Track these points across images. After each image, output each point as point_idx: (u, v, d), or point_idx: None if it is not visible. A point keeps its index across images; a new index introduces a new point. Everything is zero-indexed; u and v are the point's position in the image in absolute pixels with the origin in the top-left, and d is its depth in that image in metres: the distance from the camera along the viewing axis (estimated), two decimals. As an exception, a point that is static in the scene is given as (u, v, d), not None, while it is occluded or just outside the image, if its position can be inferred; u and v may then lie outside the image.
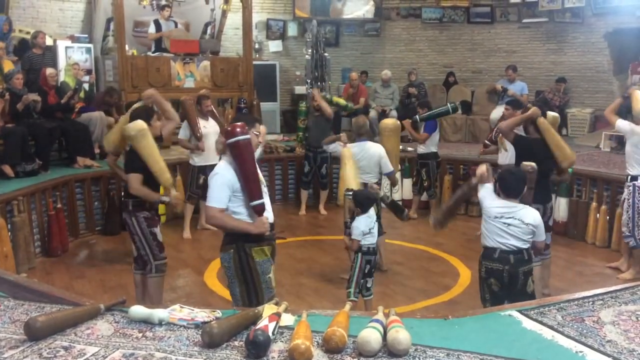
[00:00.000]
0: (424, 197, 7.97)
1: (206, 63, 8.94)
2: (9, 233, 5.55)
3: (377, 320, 2.47)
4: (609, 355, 2.37)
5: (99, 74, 9.27)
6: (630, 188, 5.38)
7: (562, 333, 2.57)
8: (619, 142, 8.07)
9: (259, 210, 3.27)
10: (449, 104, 7.60)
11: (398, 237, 7.03)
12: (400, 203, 6.18)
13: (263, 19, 11.40)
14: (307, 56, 9.78)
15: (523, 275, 3.63)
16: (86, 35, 9.52)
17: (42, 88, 7.30)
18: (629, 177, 5.41)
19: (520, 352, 2.40)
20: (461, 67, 11.63)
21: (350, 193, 4.94)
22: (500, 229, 3.63)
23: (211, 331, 2.40)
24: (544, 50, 10.86)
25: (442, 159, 8.26)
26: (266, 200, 3.35)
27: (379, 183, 5.61)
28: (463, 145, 9.92)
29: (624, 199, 5.52)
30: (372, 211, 4.48)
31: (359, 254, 4.41)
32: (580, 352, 2.40)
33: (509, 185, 3.69)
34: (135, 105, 4.84)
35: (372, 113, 10.05)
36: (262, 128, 3.50)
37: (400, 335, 2.35)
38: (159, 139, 4.57)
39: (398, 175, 8.32)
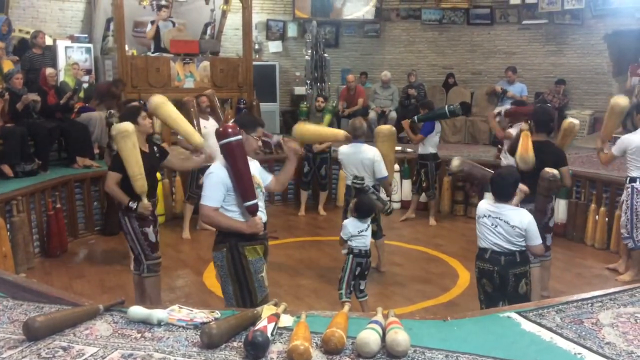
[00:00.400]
0: (423, 198, 7.97)
1: (206, 63, 8.94)
2: (8, 233, 5.55)
3: (376, 322, 2.47)
4: (607, 357, 2.37)
5: (98, 74, 9.27)
6: (629, 190, 5.38)
7: (560, 335, 2.57)
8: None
9: (252, 211, 3.28)
10: (446, 107, 7.58)
11: (397, 238, 7.03)
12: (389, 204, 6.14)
13: (263, 20, 11.41)
14: (306, 57, 9.79)
15: (514, 277, 3.59)
16: (86, 35, 9.53)
17: (41, 88, 7.29)
18: (628, 179, 5.42)
19: (519, 354, 2.41)
20: (461, 69, 11.63)
21: (360, 183, 5.01)
22: (488, 229, 3.64)
23: (210, 332, 2.40)
24: (544, 51, 10.87)
25: (442, 160, 8.26)
26: (260, 199, 3.36)
27: (377, 187, 5.61)
28: (462, 146, 9.93)
29: (623, 200, 5.53)
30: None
31: (350, 256, 4.43)
32: (579, 354, 2.40)
33: (499, 188, 3.68)
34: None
35: (372, 114, 10.07)
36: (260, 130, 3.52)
37: (399, 336, 2.35)
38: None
39: (397, 177, 8.38)
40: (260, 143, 3.47)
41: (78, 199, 6.96)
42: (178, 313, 2.70)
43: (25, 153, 6.64)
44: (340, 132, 5.56)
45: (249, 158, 3.32)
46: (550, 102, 9.73)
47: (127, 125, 4.18)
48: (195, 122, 6.70)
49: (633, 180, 5.36)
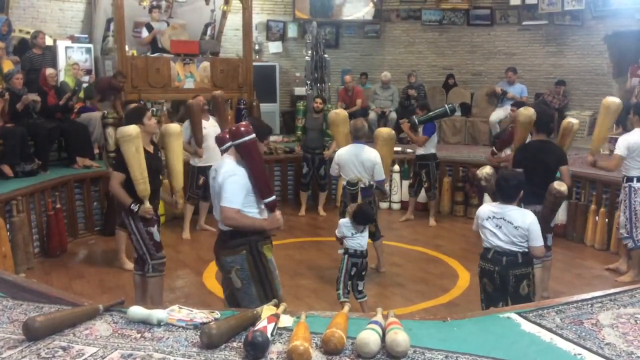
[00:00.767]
0: (421, 198, 7.97)
1: (206, 64, 8.94)
2: (8, 233, 5.55)
3: (375, 322, 2.47)
4: (607, 358, 2.37)
5: (98, 74, 9.27)
6: (627, 189, 5.39)
7: (560, 335, 2.57)
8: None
9: (272, 207, 3.30)
10: (446, 106, 7.60)
11: (396, 238, 7.04)
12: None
13: (263, 20, 11.41)
14: (306, 57, 9.79)
15: (514, 278, 3.60)
16: (86, 36, 9.53)
17: (41, 88, 7.30)
18: (625, 179, 5.43)
19: (519, 355, 2.41)
20: (461, 69, 11.63)
21: (354, 189, 5.00)
22: (491, 230, 3.65)
23: (210, 332, 2.40)
24: (544, 52, 10.87)
25: (441, 161, 8.27)
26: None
27: (370, 191, 5.61)
28: (462, 147, 9.93)
29: (621, 200, 5.53)
30: None
31: (345, 256, 4.46)
32: (579, 354, 2.40)
33: (503, 190, 3.71)
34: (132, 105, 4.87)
35: (372, 115, 10.07)
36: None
37: (399, 337, 2.35)
38: None
39: (397, 177, 8.39)
40: (266, 149, 3.49)
41: (78, 199, 6.96)
42: (178, 313, 2.70)
43: (25, 153, 6.64)
44: None
45: None
46: (551, 103, 9.73)
47: (131, 129, 4.16)
48: (198, 126, 6.70)
49: (630, 179, 5.37)
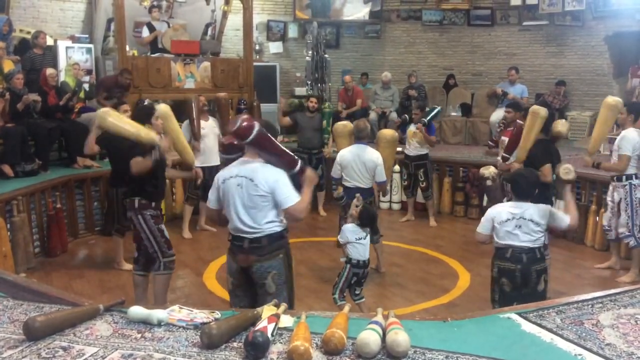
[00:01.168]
0: (420, 198, 7.96)
1: (206, 64, 8.94)
2: (8, 233, 5.55)
3: (376, 322, 2.47)
4: (608, 359, 2.37)
5: (99, 74, 9.25)
6: (627, 187, 5.42)
7: (561, 336, 2.57)
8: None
9: (303, 169, 3.37)
10: (437, 107, 7.64)
11: (397, 238, 7.04)
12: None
13: (264, 20, 11.41)
14: (307, 58, 9.79)
15: (536, 273, 3.67)
16: (87, 36, 9.52)
17: (42, 88, 7.30)
18: (624, 177, 5.44)
19: (519, 355, 2.41)
20: (461, 70, 11.63)
21: (341, 202, 5.00)
22: (511, 232, 3.66)
23: (210, 332, 2.40)
24: (544, 53, 10.87)
25: (442, 162, 8.30)
26: None
27: (370, 192, 5.63)
28: (463, 147, 9.93)
29: (621, 199, 5.53)
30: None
31: (348, 265, 4.44)
32: (579, 355, 2.40)
33: (522, 189, 3.74)
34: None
35: (372, 115, 10.07)
36: None
37: (399, 337, 2.34)
38: None
39: (397, 177, 8.38)
40: None
41: (78, 199, 6.97)
42: (178, 313, 2.70)
43: (26, 153, 6.65)
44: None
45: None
46: (551, 104, 9.73)
47: (166, 107, 4.51)
48: (196, 121, 6.72)
49: (629, 177, 5.40)
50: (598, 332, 2.61)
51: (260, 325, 2.42)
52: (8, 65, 7.48)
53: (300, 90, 10.81)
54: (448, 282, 5.71)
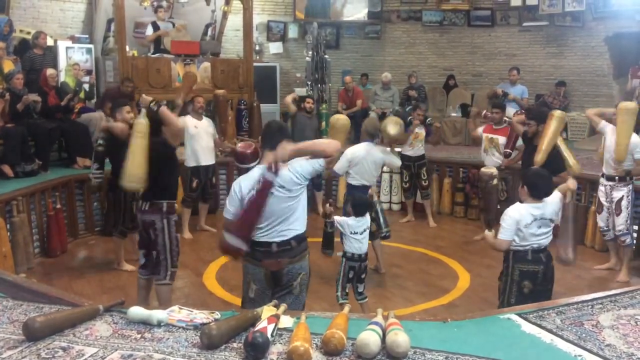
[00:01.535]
0: (419, 199, 7.97)
1: (207, 64, 8.94)
2: (8, 233, 5.55)
3: (376, 323, 2.47)
4: (607, 359, 2.37)
5: (99, 75, 9.27)
6: (630, 186, 5.53)
7: (561, 337, 2.57)
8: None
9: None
10: (409, 118, 7.71)
11: (397, 239, 7.02)
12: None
13: (264, 21, 11.41)
14: (307, 58, 9.79)
15: (551, 271, 3.73)
16: (87, 36, 9.53)
17: (42, 89, 7.30)
18: (627, 177, 5.50)
19: (519, 356, 2.41)
20: (461, 70, 11.64)
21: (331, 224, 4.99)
22: (534, 233, 3.66)
23: (210, 333, 2.40)
24: (544, 53, 10.87)
25: (442, 162, 8.32)
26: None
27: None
28: (462, 148, 9.92)
29: (622, 196, 5.57)
30: (364, 219, 4.48)
31: (344, 259, 4.46)
32: (579, 355, 2.40)
33: (541, 189, 3.72)
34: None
35: (372, 115, 10.06)
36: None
37: (399, 337, 2.34)
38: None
39: (397, 178, 8.38)
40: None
41: (78, 200, 6.97)
42: (178, 314, 2.70)
43: (26, 153, 6.65)
44: None
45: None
46: (551, 104, 9.73)
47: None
48: (182, 98, 6.72)
49: (631, 177, 5.54)
50: (598, 333, 2.61)
51: (260, 325, 2.42)
52: (8, 66, 7.49)
53: (301, 91, 10.80)
54: (448, 283, 5.71)
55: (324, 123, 8.11)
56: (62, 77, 8.15)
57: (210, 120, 7.18)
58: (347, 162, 5.51)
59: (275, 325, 2.48)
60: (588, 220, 6.76)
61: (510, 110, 7.99)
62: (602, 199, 5.76)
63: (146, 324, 2.62)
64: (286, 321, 2.63)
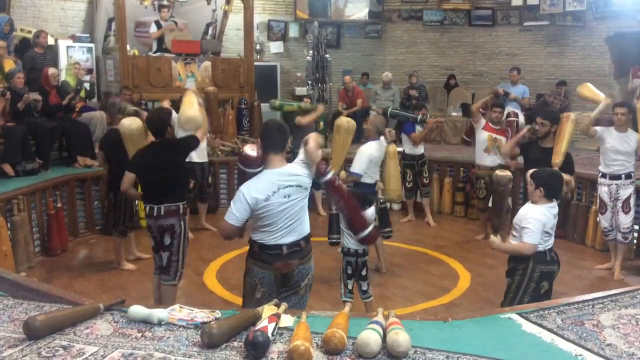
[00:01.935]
0: (420, 199, 7.97)
1: (207, 63, 8.94)
2: (9, 232, 5.55)
3: (376, 322, 2.47)
4: (608, 359, 2.37)
5: (99, 74, 9.27)
6: (634, 186, 5.64)
7: (561, 336, 2.57)
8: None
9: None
10: (419, 116, 7.62)
11: (398, 239, 7.01)
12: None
13: (264, 20, 11.41)
14: (308, 57, 9.79)
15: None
16: (87, 35, 9.54)
17: (43, 88, 7.31)
18: (632, 175, 5.61)
19: (520, 355, 2.40)
20: (462, 70, 11.63)
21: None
22: (552, 234, 3.70)
23: (210, 331, 2.40)
24: (545, 53, 10.87)
25: (443, 162, 8.31)
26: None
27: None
28: (463, 147, 9.91)
29: (630, 194, 5.65)
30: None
31: (342, 254, 4.52)
32: (580, 355, 2.40)
33: (558, 189, 3.75)
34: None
35: (372, 115, 10.05)
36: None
37: (400, 337, 2.34)
38: None
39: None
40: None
41: (79, 199, 6.97)
42: (179, 313, 2.69)
43: (27, 152, 6.65)
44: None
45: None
46: (552, 104, 9.73)
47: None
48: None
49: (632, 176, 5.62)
50: (599, 333, 2.61)
51: (260, 324, 2.42)
52: (9, 65, 7.49)
53: (301, 90, 10.81)
54: (448, 282, 5.70)
55: (322, 123, 8.10)
56: (63, 76, 8.15)
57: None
58: (368, 163, 5.51)
59: (276, 324, 2.48)
60: (589, 220, 6.76)
61: (510, 110, 7.99)
62: (606, 199, 5.77)
63: (147, 322, 2.62)
64: (287, 320, 2.62)
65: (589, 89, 5.83)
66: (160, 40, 9.05)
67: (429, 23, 11.67)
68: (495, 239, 3.86)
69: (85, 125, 7.57)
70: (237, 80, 9.19)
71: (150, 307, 2.72)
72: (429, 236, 7.33)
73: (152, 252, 4.54)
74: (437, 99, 11.28)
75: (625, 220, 5.64)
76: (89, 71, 8.78)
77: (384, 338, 2.38)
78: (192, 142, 4.46)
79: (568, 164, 5.07)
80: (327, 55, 9.77)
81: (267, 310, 2.66)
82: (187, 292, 5.38)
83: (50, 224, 6.26)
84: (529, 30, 11.02)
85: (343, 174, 5.40)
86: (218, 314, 2.72)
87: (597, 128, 5.76)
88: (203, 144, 6.91)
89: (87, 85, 8.24)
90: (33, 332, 2.44)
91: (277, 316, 2.55)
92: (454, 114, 10.87)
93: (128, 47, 8.65)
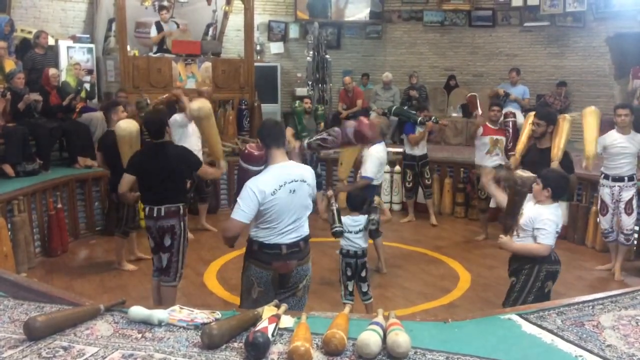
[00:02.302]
0: (420, 199, 7.96)
1: (207, 64, 8.95)
2: (9, 233, 5.55)
3: (376, 323, 2.47)
4: (608, 360, 2.37)
5: (100, 74, 9.28)
6: (636, 187, 5.64)
7: (561, 337, 2.57)
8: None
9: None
10: (419, 117, 7.60)
11: (398, 239, 7.03)
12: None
13: (265, 21, 11.42)
14: (308, 58, 9.79)
15: None
16: (88, 36, 9.55)
17: (43, 88, 7.31)
18: (634, 177, 5.63)
19: (520, 356, 2.40)
20: (462, 71, 11.63)
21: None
22: (558, 233, 3.71)
23: (211, 332, 2.40)
24: (546, 54, 10.87)
25: (443, 162, 8.30)
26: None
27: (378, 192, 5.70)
28: (463, 148, 9.91)
29: (632, 196, 5.65)
30: (360, 218, 4.50)
31: (341, 256, 4.52)
32: (580, 356, 2.40)
33: (565, 190, 3.80)
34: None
35: (373, 115, 10.05)
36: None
37: (400, 338, 2.34)
38: None
39: (398, 178, 8.37)
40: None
41: (79, 199, 6.98)
42: (179, 313, 2.70)
43: (27, 153, 6.65)
44: None
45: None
46: (552, 105, 9.73)
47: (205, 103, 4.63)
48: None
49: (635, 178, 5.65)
50: (599, 334, 2.61)
51: (260, 325, 2.42)
52: (9, 65, 7.50)
53: (301, 91, 10.82)
54: (449, 283, 5.71)
55: (322, 124, 8.09)
56: (63, 77, 8.16)
57: None
58: (379, 165, 5.52)
59: (276, 325, 2.48)
60: (589, 221, 6.76)
61: (508, 110, 7.99)
62: (608, 201, 5.76)
63: (147, 323, 2.62)
64: (287, 321, 2.62)
65: (591, 116, 5.65)
66: (161, 41, 9.06)
67: (429, 24, 11.67)
68: (506, 239, 3.80)
69: (85, 126, 7.57)
70: (238, 81, 9.20)
71: (150, 308, 2.72)
72: (429, 237, 7.33)
73: (151, 253, 4.54)
74: (437, 100, 11.28)
75: (628, 222, 5.64)
76: (90, 72, 8.79)
77: (384, 339, 2.38)
78: (194, 161, 4.48)
79: (567, 164, 5.06)
80: (327, 56, 9.77)
81: (267, 311, 2.66)
82: (187, 293, 5.38)
83: (50, 225, 6.27)
84: (529, 31, 11.01)
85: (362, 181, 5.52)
86: (218, 314, 2.73)
87: (599, 145, 5.67)
88: (198, 147, 6.91)
89: (87, 86, 8.24)
90: (33, 333, 2.44)
91: (277, 317, 2.55)
92: (454, 114, 10.87)
93: (128, 48, 8.66)
